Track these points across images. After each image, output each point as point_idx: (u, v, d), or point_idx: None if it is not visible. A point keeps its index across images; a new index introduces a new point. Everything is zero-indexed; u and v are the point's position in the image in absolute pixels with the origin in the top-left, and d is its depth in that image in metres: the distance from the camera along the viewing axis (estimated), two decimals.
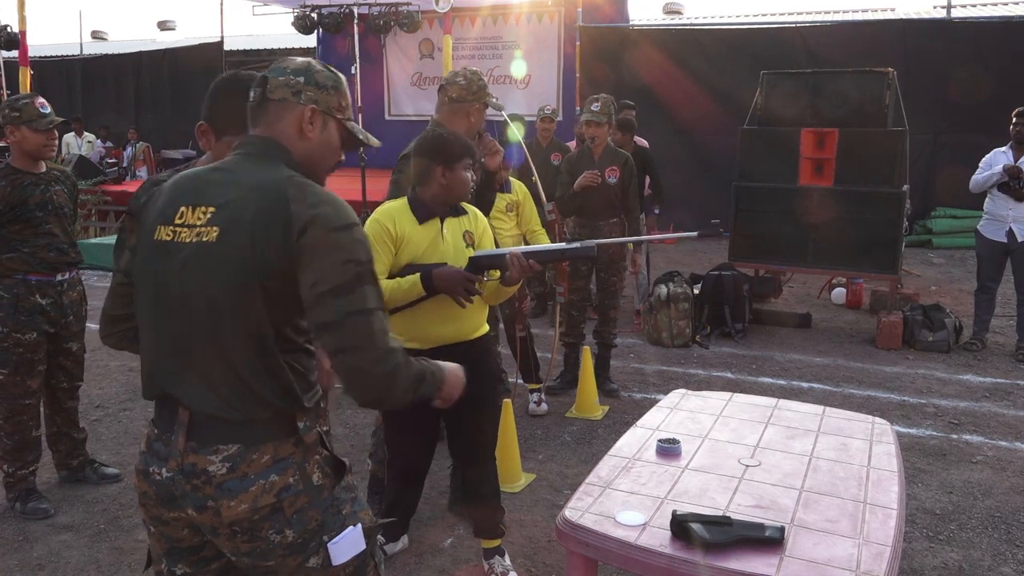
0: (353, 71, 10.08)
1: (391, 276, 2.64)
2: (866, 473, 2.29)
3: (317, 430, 1.62)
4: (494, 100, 3.31)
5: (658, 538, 1.90)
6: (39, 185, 3.42)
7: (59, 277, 3.50)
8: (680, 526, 1.88)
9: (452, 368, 1.79)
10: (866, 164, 6.30)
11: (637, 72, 11.30)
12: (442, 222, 2.73)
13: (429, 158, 2.70)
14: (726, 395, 2.99)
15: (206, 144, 2.07)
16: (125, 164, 14.16)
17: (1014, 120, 5.73)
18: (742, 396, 3.02)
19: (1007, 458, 4.09)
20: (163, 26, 24.39)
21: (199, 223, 1.55)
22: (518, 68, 12.88)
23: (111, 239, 9.64)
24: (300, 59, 1.68)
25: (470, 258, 2.69)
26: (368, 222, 2.68)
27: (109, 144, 14.91)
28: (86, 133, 13.99)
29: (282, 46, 19.27)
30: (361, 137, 1.74)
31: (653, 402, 3.61)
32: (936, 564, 3.11)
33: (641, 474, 2.27)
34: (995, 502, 3.61)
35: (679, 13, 17.79)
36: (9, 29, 10.86)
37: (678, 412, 2.79)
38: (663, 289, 6.17)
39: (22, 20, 7.99)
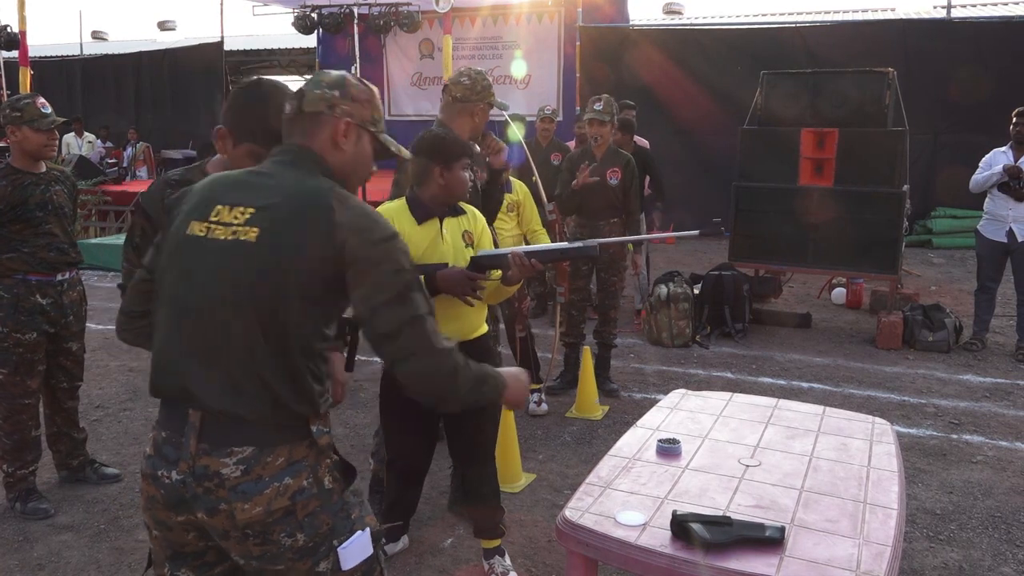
0: (353, 71, 10.09)
1: None
2: (866, 473, 2.29)
3: (329, 434, 1.62)
4: (498, 100, 3.31)
5: (658, 538, 1.90)
6: (39, 185, 3.42)
7: (59, 277, 3.50)
8: (680, 526, 1.88)
9: (513, 372, 1.84)
10: (866, 164, 6.30)
11: (637, 72, 11.30)
12: (441, 222, 2.73)
13: (427, 158, 2.70)
14: (726, 395, 2.99)
15: (223, 148, 2.07)
16: (125, 164, 14.17)
17: (1014, 120, 5.73)
18: (742, 396, 3.02)
19: (1007, 458, 4.09)
20: (163, 26, 24.38)
21: (236, 222, 1.56)
22: (518, 68, 12.87)
23: (111, 239, 9.65)
24: (335, 73, 1.72)
25: (471, 258, 2.69)
26: None
27: (109, 144, 14.91)
28: (86, 133, 13.98)
29: (282, 46, 19.29)
30: (393, 149, 1.77)
31: (653, 402, 3.61)
32: (936, 564, 3.11)
33: (641, 474, 2.27)
34: (995, 502, 3.61)
35: (679, 13, 17.78)
36: (9, 29, 10.86)
37: (678, 412, 2.79)
38: (663, 289, 6.17)
39: (22, 20, 7.99)
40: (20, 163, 3.42)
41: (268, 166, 1.66)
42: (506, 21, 13.26)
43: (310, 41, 15.32)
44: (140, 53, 17.23)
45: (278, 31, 18.26)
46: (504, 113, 4.03)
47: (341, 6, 12.19)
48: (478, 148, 3.38)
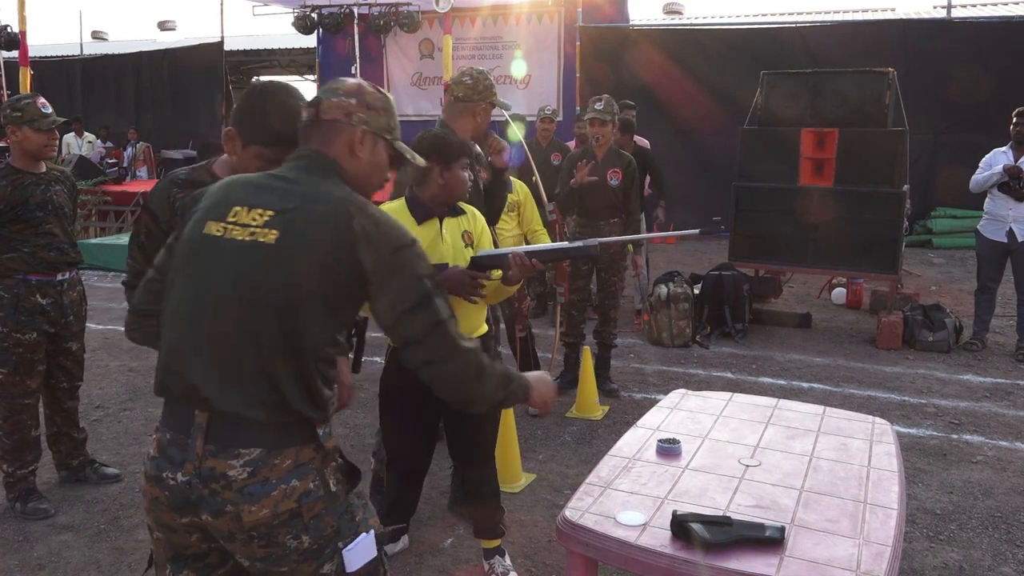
0: (353, 71, 10.10)
1: None
2: (866, 473, 2.29)
3: (335, 437, 1.63)
4: (501, 100, 3.31)
5: (658, 538, 1.90)
6: (39, 185, 3.43)
7: (59, 277, 3.50)
8: (680, 526, 1.88)
9: (538, 375, 1.89)
10: (866, 164, 6.30)
11: (637, 72, 11.30)
12: (440, 222, 2.73)
13: (426, 158, 2.70)
14: (726, 395, 2.99)
15: (231, 150, 2.07)
16: (125, 164, 14.17)
17: (1014, 120, 5.73)
18: (742, 396, 3.02)
19: (1007, 458, 4.09)
20: (163, 26, 24.37)
21: (254, 224, 1.57)
22: (518, 68, 12.86)
23: (111, 239, 9.65)
24: (351, 80, 1.74)
25: (472, 258, 2.69)
26: None
27: (109, 144, 14.91)
28: (86, 133, 13.98)
29: (282, 46, 19.28)
30: (408, 156, 1.79)
31: (653, 402, 3.61)
32: (936, 564, 3.11)
33: (641, 474, 2.26)
34: (995, 502, 3.61)
35: (679, 13, 17.78)
36: (9, 29, 10.86)
37: (678, 412, 2.79)
38: (663, 289, 6.17)
39: (22, 20, 7.99)
40: (20, 163, 3.42)
41: (286, 170, 1.66)
42: (506, 21, 13.25)
43: (310, 41, 15.31)
44: (140, 53, 17.21)
45: (278, 31, 18.25)
46: (504, 113, 4.03)
47: (341, 6, 12.19)
48: (478, 148, 3.38)
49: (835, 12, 14.52)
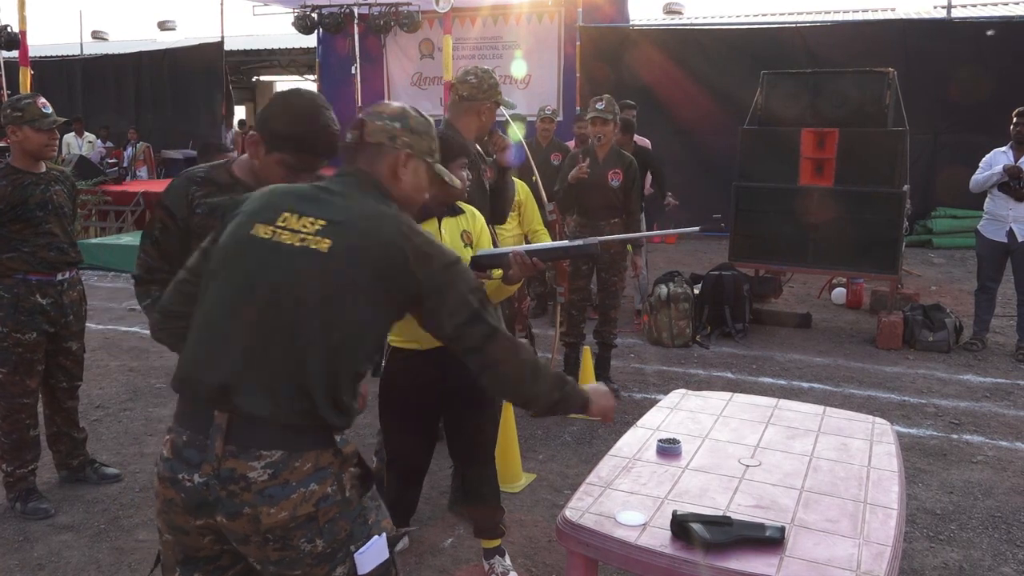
0: (353, 71, 10.10)
1: None
2: (866, 473, 2.29)
3: (353, 443, 1.63)
4: (506, 99, 3.30)
5: (658, 538, 1.90)
6: (39, 185, 3.43)
7: (59, 277, 3.50)
8: (680, 526, 1.88)
9: (595, 386, 1.98)
10: (866, 164, 6.30)
11: (637, 72, 11.29)
12: (439, 222, 2.73)
13: None
14: (726, 395, 2.99)
15: (254, 154, 2.08)
16: (125, 164, 14.18)
17: (1014, 120, 5.73)
18: (742, 396, 3.02)
19: (1007, 458, 4.09)
20: (163, 26, 24.36)
21: (305, 230, 1.59)
22: (518, 68, 12.86)
23: (111, 239, 9.65)
24: (395, 104, 1.81)
25: (472, 257, 2.69)
26: None
27: (109, 144, 14.91)
28: (86, 133, 13.98)
29: (282, 46, 19.28)
30: (447, 179, 1.89)
31: (653, 402, 3.61)
32: (936, 564, 3.11)
33: (641, 474, 2.26)
34: (995, 502, 3.61)
35: (679, 13, 17.77)
36: (9, 29, 10.85)
37: (678, 412, 2.79)
38: (663, 289, 6.17)
39: (22, 20, 7.97)
40: (20, 163, 3.42)
41: (335, 184, 1.71)
42: (506, 21, 13.25)
43: (310, 41, 15.31)
44: (140, 53, 17.22)
45: (278, 31, 18.25)
46: (505, 113, 4.03)
47: (341, 6, 12.19)
48: (479, 148, 3.38)
49: (835, 12, 14.52)
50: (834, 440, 2.54)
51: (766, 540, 1.86)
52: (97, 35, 23.41)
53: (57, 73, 17.15)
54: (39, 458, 3.60)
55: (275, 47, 19.56)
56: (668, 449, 2.39)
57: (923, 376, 5.39)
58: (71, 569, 3.07)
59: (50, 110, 3.40)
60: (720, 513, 1.98)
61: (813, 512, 2.04)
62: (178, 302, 1.77)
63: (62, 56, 17.90)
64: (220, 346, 1.57)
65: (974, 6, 13.22)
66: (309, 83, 21.32)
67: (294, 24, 12.80)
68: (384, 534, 1.65)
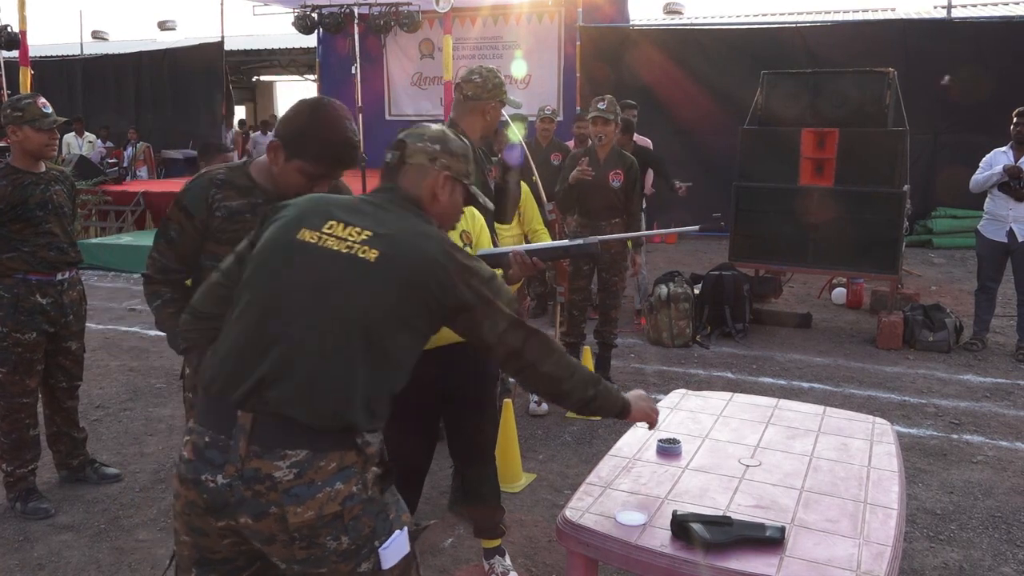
0: (353, 71, 10.09)
1: None
2: (866, 473, 2.29)
3: (377, 444, 1.64)
4: (511, 98, 3.29)
5: (658, 538, 1.90)
6: (39, 185, 3.43)
7: (59, 276, 3.50)
8: (680, 526, 1.88)
9: (635, 393, 2.07)
10: (866, 164, 6.30)
11: (637, 72, 11.29)
12: None
13: None
14: (726, 395, 2.99)
15: (274, 160, 2.09)
16: (125, 164, 14.19)
17: (1014, 120, 5.73)
18: (742, 396, 3.02)
19: (1008, 458, 4.09)
20: (163, 26, 24.38)
21: (352, 239, 1.64)
22: (518, 68, 12.87)
23: (111, 239, 9.65)
24: (435, 127, 1.88)
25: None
26: None
27: (109, 144, 14.92)
28: (87, 133, 13.99)
29: (282, 46, 19.29)
30: (481, 200, 1.95)
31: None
32: (936, 564, 3.11)
33: (641, 474, 2.26)
34: (996, 502, 3.61)
35: (679, 13, 17.78)
36: (9, 29, 10.86)
37: (678, 412, 2.79)
38: (663, 289, 6.17)
39: (22, 20, 7.98)
40: (20, 163, 3.42)
41: (379, 199, 1.77)
42: (506, 21, 13.26)
43: (310, 41, 15.32)
44: (140, 53, 17.23)
45: (278, 31, 18.26)
46: (504, 113, 4.02)
47: (341, 6, 12.20)
48: (483, 148, 3.37)
49: (835, 12, 14.51)
50: (834, 440, 2.54)
51: (766, 540, 1.86)
52: (97, 35, 23.43)
53: (57, 73, 17.16)
54: (39, 458, 3.60)
55: (275, 47, 19.57)
56: (668, 449, 2.39)
57: (923, 376, 5.39)
58: (71, 569, 3.07)
59: (50, 110, 3.40)
60: (720, 513, 1.98)
61: (813, 512, 2.04)
62: (211, 304, 1.79)
63: (62, 56, 17.91)
64: (258, 346, 1.58)
65: (974, 6, 13.23)
66: (309, 83, 21.32)
67: (294, 24, 12.81)
68: (405, 528, 1.67)
